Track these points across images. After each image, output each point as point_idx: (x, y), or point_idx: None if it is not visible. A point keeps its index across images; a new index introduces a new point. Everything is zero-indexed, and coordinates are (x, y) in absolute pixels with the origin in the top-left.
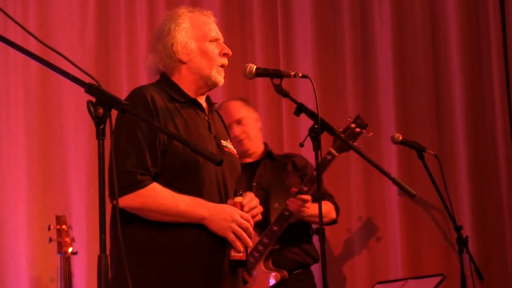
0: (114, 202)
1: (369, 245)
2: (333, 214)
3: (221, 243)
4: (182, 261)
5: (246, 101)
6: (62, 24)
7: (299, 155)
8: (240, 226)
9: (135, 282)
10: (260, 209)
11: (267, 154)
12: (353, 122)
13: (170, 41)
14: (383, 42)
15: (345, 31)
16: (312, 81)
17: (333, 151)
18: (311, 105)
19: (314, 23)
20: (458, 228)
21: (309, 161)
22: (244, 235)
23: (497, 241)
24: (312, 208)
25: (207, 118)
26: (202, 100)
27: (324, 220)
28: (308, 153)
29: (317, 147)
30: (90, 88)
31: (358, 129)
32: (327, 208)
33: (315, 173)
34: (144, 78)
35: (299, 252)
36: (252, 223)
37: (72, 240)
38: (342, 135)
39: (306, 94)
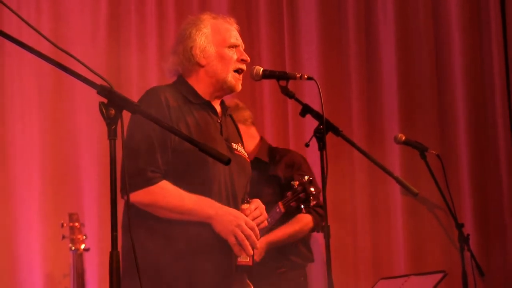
0: (125, 197)
1: (373, 242)
2: (310, 225)
3: (227, 244)
4: (192, 258)
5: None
6: (75, 28)
7: (290, 155)
8: (243, 232)
9: (146, 276)
10: (264, 217)
11: (255, 159)
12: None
13: (190, 45)
14: (387, 45)
15: (349, 34)
16: (317, 83)
17: (281, 206)
18: (316, 106)
19: (319, 26)
20: (460, 226)
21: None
22: (245, 241)
23: (497, 239)
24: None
25: (219, 121)
26: (216, 104)
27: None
28: (313, 153)
29: (322, 147)
30: (102, 90)
31: (302, 195)
32: (303, 221)
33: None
34: (154, 79)
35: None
36: (257, 232)
37: (85, 237)
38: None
39: (311, 95)
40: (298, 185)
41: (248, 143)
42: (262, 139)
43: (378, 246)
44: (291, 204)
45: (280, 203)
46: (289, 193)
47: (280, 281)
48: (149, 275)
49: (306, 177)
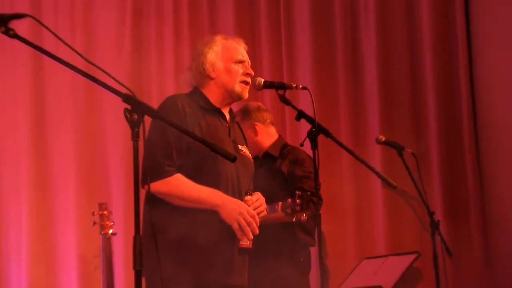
0: (145, 186)
1: (358, 227)
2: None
3: (231, 229)
4: (202, 239)
5: (260, 106)
6: (103, 44)
7: (295, 152)
8: (245, 219)
9: (162, 255)
10: (264, 207)
11: (265, 153)
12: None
13: (202, 60)
14: (370, 61)
15: (337, 51)
16: (310, 92)
17: (279, 207)
18: (309, 112)
19: (312, 44)
20: (431, 214)
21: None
22: (247, 227)
23: (463, 225)
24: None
25: (228, 125)
26: (225, 111)
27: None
28: (307, 151)
29: (314, 146)
30: (126, 98)
31: (298, 207)
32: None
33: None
34: (170, 89)
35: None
36: (258, 220)
37: (112, 223)
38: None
39: (305, 103)
40: (298, 196)
41: (265, 140)
42: (280, 137)
43: (362, 231)
44: (287, 210)
45: (280, 204)
46: (289, 200)
47: (277, 263)
48: (170, 247)
49: (309, 192)
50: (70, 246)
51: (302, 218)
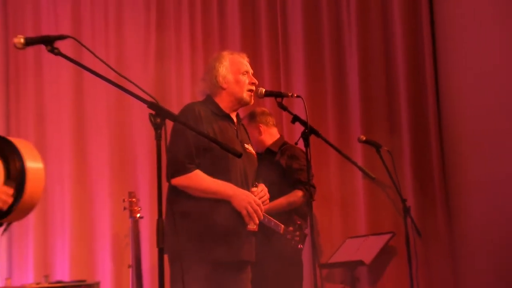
0: (170, 181)
1: (343, 212)
2: (301, 199)
3: (241, 216)
4: (216, 223)
5: (264, 111)
6: (132, 60)
7: (292, 149)
8: (252, 207)
9: (183, 237)
10: (267, 197)
11: (267, 149)
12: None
13: (215, 74)
14: (352, 74)
15: (326, 66)
16: (303, 99)
17: (281, 230)
18: (302, 116)
19: (305, 59)
20: (404, 200)
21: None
22: (254, 214)
23: (430, 210)
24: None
25: (235, 128)
26: (233, 116)
27: (296, 202)
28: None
29: (307, 145)
30: (151, 105)
31: (298, 238)
32: (296, 195)
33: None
34: (187, 97)
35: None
36: (262, 207)
37: (139, 208)
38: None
39: (299, 108)
40: (299, 227)
41: (268, 139)
42: (281, 136)
43: (346, 215)
44: (287, 236)
45: (282, 227)
46: (291, 228)
47: (278, 241)
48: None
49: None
50: (105, 227)
51: (299, 247)
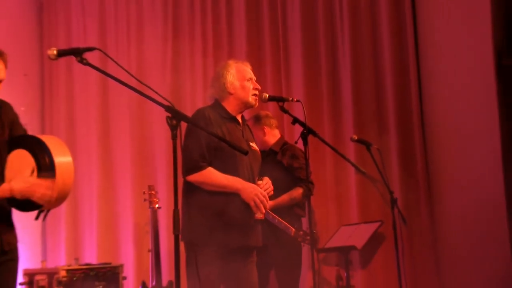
0: (187, 177)
1: (337, 203)
2: (301, 194)
3: (249, 206)
4: (227, 213)
5: (267, 114)
6: (151, 67)
7: (293, 149)
8: (258, 198)
9: (197, 225)
10: (271, 189)
11: (270, 149)
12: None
13: (223, 81)
14: (346, 80)
15: (322, 73)
16: (302, 103)
17: (292, 232)
18: (301, 118)
19: (303, 67)
20: (391, 193)
21: (296, 155)
22: (260, 204)
23: (415, 201)
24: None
25: (241, 128)
26: (239, 117)
27: (297, 198)
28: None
29: (305, 144)
30: (167, 108)
31: (307, 242)
32: (297, 191)
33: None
34: (200, 101)
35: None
36: (268, 199)
37: (158, 200)
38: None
39: (298, 111)
40: (310, 232)
41: (271, 139)
42: (282, 136)
43: (340, 205)
44: (298, 239)
45: (293, 230)
46: (301, 232)
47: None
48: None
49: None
50: (128, 216)
51: (307, 243)
